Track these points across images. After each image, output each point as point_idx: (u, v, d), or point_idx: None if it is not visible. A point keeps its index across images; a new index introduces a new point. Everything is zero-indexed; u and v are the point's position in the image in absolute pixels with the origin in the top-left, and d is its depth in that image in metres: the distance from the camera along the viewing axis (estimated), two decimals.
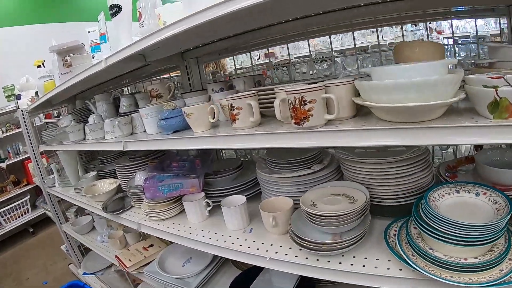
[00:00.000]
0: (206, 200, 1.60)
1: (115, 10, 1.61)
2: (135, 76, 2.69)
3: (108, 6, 1.63)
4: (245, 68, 3.01)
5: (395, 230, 1.13)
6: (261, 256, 1.24)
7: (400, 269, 0.99)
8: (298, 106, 1.02)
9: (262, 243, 1.32)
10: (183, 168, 1.66)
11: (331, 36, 1.87)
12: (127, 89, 3.05)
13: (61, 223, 3.18)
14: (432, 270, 0.90)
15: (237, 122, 1.25)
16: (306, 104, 1.01)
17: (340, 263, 1.09)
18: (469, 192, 1.04)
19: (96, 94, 2.29)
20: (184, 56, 2.13)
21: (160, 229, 1.63)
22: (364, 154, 1.30)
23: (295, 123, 1.04)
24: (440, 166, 1.36)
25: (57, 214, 3.18)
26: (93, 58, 1.89)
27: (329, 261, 1.11)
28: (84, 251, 3.24)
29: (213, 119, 1.36)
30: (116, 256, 2.20)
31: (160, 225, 1.66)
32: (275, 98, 1.15)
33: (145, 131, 1.82)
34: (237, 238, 1.41)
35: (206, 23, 1.05)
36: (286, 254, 1.21)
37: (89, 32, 1.91)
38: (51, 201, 3.14)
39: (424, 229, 0.95)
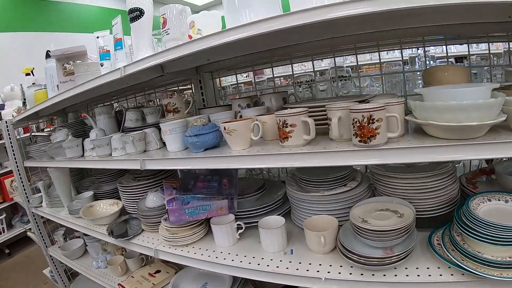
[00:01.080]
0: (238, 223, 1.46)
1: (136, 14, 1.47)
2: (137, 89, 2.52)
3: (128, 10, 1.48)
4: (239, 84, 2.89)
5: (438, 239, 1.18)
6: (314, 277, 1.18)
7: (452, 274, 1.04)
8: (366, 124, 1.01)
9: (310, 263, 1.25)
10: (211, 188, 1.52)
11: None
12: (126, 102, 2.86)
13: (46, 246, 2.92)
14: (484, 271, 0.97)
15: (290, 140, 1.16)
16: (374, 122, 1.00)
17: (395, 275, 1.09)
18: (499, 200, 1.13)
19: (89, 106, 2.11)
20: (198, 70, 2.00)
21: (183, 255, 1.47)
22: (395, 170, 1.34)
23: (360, 141, 1.03)
24: (460, 178, 1.45)
25: (42, 236, 2.92)
26: (101, 66, 1.72)
27: (384, 275, 1.10)
28: (71, 276, 2.99)
29: (256, 136, 1.24)
30: (120, 285, 2.00)
31: (183, 251, 1.50)
32: (324, 115, 1.21)
33: (159, 148, 1.69)
34: (280, 260, 1.30)
35: (258, 36, 1.02)
36: (339, 273, 1.16)
37: (98, 37, 1.74)
38: (36, 223, 2.89)
39: (471, 234, 1.01)
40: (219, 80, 2.18)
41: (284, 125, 1.15)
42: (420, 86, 1.92)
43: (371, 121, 1.00)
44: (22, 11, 5.74)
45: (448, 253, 1.06)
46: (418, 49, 2.21)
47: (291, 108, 1.26)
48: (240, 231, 1.46)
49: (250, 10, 1.08)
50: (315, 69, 3.01)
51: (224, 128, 1.23)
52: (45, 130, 3.32)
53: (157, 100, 2.77)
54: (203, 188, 1.52)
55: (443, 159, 0.94)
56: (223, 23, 1.27)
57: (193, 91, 2.14)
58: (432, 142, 0.96)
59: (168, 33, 1.43)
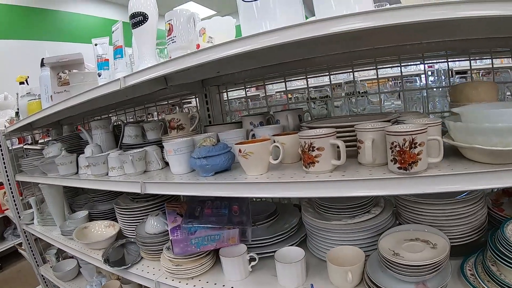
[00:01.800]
0: (251, 254, 1.29)
1: (139, 19, 1.31)
2: (137, 102, 2.36)
3: (130, 14, 1.33)
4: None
5: (470, 269, 1.10)
6: None
7: None
8: (408, 149, 0.88)
9: None
10: (221, 216, 1.35)
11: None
12: (125, 115, 2.70)
13: (38, 265, 2.74)
14: None
15: (316, 165, 1.00)
16: (416, 146, 0.88)
17: None
18: None
19: (85, 119, 1.95)
20: (204, 83, 1.85)
21: None
22: (421, 195, 1.20)
23: (400, 167, 0.89)
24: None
25: (33, 255, 2.74)
26: (99, 76, 1.56)
27: None
28: None
29: (275, 160, 1.09)
30: None
31: (189, 284, 1.32)
32: (350, 136, 1.09)
33: (161, 168, 1.54)
34: None
35: (278, 46, 0.90)
36: None
37: (96, 45, 1.59)
38: (27, 240, 2.71)
39: (509, 264, 0.94)
40: (227, 94, 2.03)
41: (311, 148, 0.99)
42: (439, 102, 1.78)
43: (413, 145, 0.88)
44: (20, 19, 5.62)
45: (484, 285, 0.99)
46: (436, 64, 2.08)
47: (315, 128, 1.12)
48: (253, 263, 1.29)
49: (271, 18, 0.95)
50: (325, 83, 2.89)
51: (240, 151, 1.07)
52: (39, 141, 3.15)
53: (158, 114, 2.61)
54: (211, 215, 1.35)
55: (492, 185, 0.85)
56: (237, 31, 1.13)
57: (198, 106, 1.98)
58: (477, 168, 0.86)
59: (175, 41, 1.29)
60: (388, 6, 0.83)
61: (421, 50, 1.53)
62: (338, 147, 0.99)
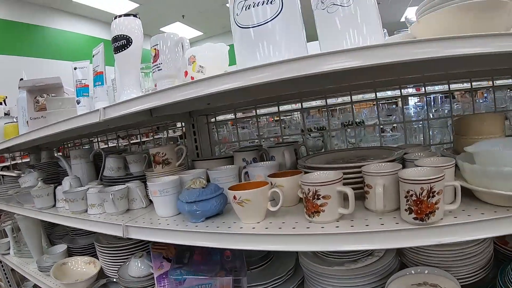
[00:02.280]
0: None
1: (122, 43, 1.19)
2: (120, 128, 2.22)
3: (112, 37, 1.21)
4: None
5: None
6: None
7: None
8: (425, 198, 0.79)
9: None
10: (213, 262, 1.21)
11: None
12: (106, 141, 2.54)
13: None
14: None
15: (321, 215, 0.89)
16: (435, 195, 0.78)
17: None
18: None
19: (65, 144, 1.81)
20: (192, 112, 1.72)
21: None
22: None
23: (416, 218, 0.80)
24: None
25: (10, 286, 2.55)
26: (78, 103, 1.42)
27: None
28: None
29: (274, 207, 0.96)
30: None
31: None
32: (358, 178, 0.97)
33: (146, 207, 1.40)
34: None
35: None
36: None
37: (75, 68, 1.45)
38: (4, 271, 2.53)
39: None
40: (216, 126, 1.89)
41: (315, 196, 0.87)
42: (439, 133, 1.68)
43: (431, 194, 0.78)
44: (1, 32, 5.43)
45: None
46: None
47: (315, 169, 1.01)
48: None
49: (272, 48, 0.86)
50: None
51: (234, 197, 0.94)
52: (20, 162, 2.98)
53: (141, 140, 2.45)
54: (202, 262, 1.21)
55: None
56: (231, 59, 1.02)
57: (185, 137, 1.85)
58: (493, 211, 0.81)
59: (161, 69, 1.16)
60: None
61: (421, 80, 1.45)
62: (345, 193, 0.87)
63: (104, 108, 1.15)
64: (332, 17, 0.82)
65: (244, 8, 0.87)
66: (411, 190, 0.79)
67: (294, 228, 0.90)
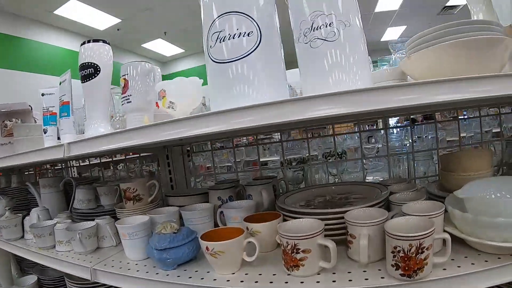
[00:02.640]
0: None
1: (89, 72, 1.10)
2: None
3: (79, 65, 1.12)
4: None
5: None
6: None
7: None
8: (414, 255, 0.72)
9: None
10: None
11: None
12: (79, 165, 2.42)
13: None
14: None
15: (301, 269, 0.81)
16: (424, 251, 0.72)
17: None
18: None
19: (36, 172, 1.71)
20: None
21: None
22: None
23: (403, 275, 0.74)
24: None
25: None
26: (45, 133, 1.33)
27: None
28: None
29: (251, 258, 0.88)
30: None
31: None
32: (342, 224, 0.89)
33: (116, 245, 1.30)
34: None
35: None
36: None
37: (43, 95, 1.35)
38: None
39: None
40: (191, 156, 1.80)
41: (294, 250, 0.79)
42: (423, 165, 1.62)
43: (420, 250, 0.72)
44: None
45: None
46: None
47: (295, 214, 0.96)
48: None
49: (251, 88, 0.77)
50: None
51: (207, 249, 0.85)
52: None
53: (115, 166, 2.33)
54: None
55: (505, 280, 0.75)
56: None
57: (159, 169, 1.75)
58: (484, 261, 0.78)
59: (130, 101, 1.08)
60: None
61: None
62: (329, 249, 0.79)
63: (68, 143, 1.05)
64: (316, 53, 0.75)
65: (218, 40, 0.78)
66: (399, 246, 0.73)
67: (271, 282, 0.82)
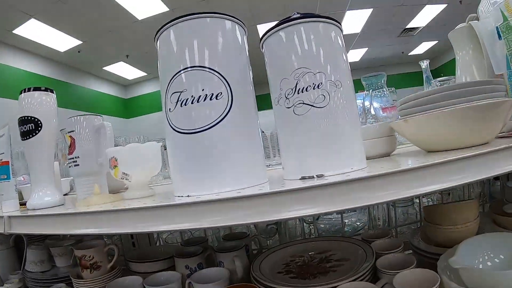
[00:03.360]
0: None
1: (30, 127, 0.93)
2: None
3: (18, 119, 0.96)
4: None
5: None
6: None
7: None
8: None
9: None
10: None
11: None
12: None
13: None
14: None
15: None
16: None
17: None
18: None
19: None
20: None
21: None
22: None
23: None
24: None
25: None
26: None
27: None
28: None
29: None
30: None
31: None
32: None
33: None
34: None
35: None
36: None
37: None
38: None
39: None
40: None
41: None
42: (403, 211, 1.54)
43: None
44: None
45: None
46: None
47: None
48: None
49: (221, 169, 0.61)
50: None
51: None
52: None
53: None
54: None
55: None
56: None
57: None
58: None
59: (78, 164, 0.92)
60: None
61: None
62: None
63: (9, 217, 0.88)
64: (302, 122, 0.61)
65: (179, 103, 0.62)
66: None
67: None
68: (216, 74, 0.61)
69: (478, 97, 0.65)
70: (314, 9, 5.84)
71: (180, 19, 0.63)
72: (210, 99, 0.61)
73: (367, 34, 7.32)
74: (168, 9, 5.30)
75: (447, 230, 1.00)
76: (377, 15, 6.38)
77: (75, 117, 0.94)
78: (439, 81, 1.63)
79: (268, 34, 0.66)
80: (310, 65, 0.60)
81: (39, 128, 0.94)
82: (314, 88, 0.60)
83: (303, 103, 0.60)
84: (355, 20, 6.54)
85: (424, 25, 7.22)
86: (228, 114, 0.62)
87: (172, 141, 0.66)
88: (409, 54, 9.22)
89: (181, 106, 0.62)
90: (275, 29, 0.64)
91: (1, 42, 5.85)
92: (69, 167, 0.93)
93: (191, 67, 0.61)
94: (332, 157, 0.60)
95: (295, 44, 0.62)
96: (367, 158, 0.86)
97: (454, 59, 1.15)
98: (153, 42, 0.69)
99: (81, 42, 6.26)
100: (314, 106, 0.60)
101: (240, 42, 0.68)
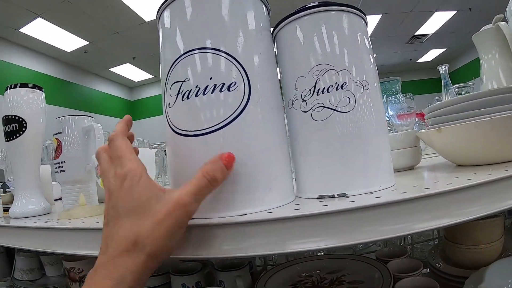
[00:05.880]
0: None
1: (13, 128, 0.84)
2: None
3: (2, 118, 0.87)
4: None
5: None
6: None
7: None
8: None
9: None
10: None
11: None
12: None
13: None
14: None
15: None
16: None
17: None
18: None
19: None
20: None
21: None
22: None
23: None
24: None
25: None
26: None
27: None
28: None
29: None
30: None
31: None
32: None
33: None
34: None
35: None
36: None
37: None
38: None
39: None
40: None
41: None
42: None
43: None
44: None
45: None
46: None
47: None
48: None
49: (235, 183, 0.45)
50: None
51: None
52: None
53: None
54: None
55: None
56: None
57: None
58: None
59: (64, 170, 0.82)
60: None
61: None
62: None
63: None
64: (320, 129, 0.50)
65: (181, 95, 0.48)
66: None
67: None
68: (228, 57, 0.47)
69: None
70: None
71: None
72: (221, 90, 0.46)
73: (375, 40, 7.24)
74: None
75: (470, 250, 0.92)
76: (385, 22, 6.31)
77: (63, 118, 0.84)
78: (457, 88, 1.54)
79: (281, 25, 0.55)
80: (332, 61, 0.50)
81: (24, 129, 0.85)
82: (336, 89, 0.49)
83: (324, 107, 0.49)
84: None
85: (433, 32, 7.14)
86: (244, 110, 0.47)
87: (172, 144, 0.52)
88: (417, 61, 9.12)
89: (182, 99, 0.48)
90: (289, 19, 0.54)
91: (8, 40, 5.82)
92: (55, 172, 0.84)
93: (196, 49, 0.48)
94: (357, 173, 0.49)
95: (314, 37, 0.51)
96: None
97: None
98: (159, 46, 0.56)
99: (88, 43, 6.23)
100: (336, 111, 0.49)
101: (262, 20, 0.54)
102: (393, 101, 1.44)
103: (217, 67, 0.47)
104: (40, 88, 0.90)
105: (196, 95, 0.47)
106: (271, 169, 0.48)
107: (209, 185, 0.42)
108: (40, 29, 5.54)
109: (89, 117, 0.86)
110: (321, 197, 0.50)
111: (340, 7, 0.52)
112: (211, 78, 0.46)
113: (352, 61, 0.51)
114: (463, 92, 1.54)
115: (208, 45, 0.47)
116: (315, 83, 0.50)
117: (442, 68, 1.52)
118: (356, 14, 0.54)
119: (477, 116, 0.59)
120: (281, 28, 0.55)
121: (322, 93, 0.49)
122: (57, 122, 0.85)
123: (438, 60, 9.12)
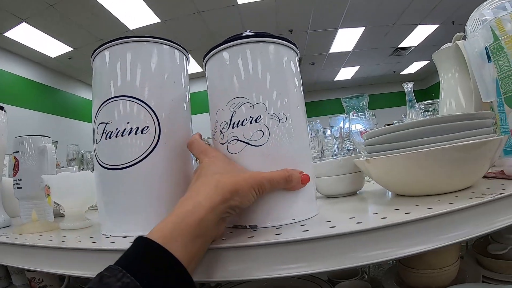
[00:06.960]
0: None
1: None
2: None
3: None
4: None
5: None
6: None
7: None
8: None
9: None
10: None
11: None
12: None
13: None
14: None
15: None
16: None
17: None
18: None
19: None
20: None
21: None
22: None
23: None
24: None
25: None
26: None
27: None
28: None
29: None
30: None
31: None
32: None
33: None
34: None
35: None
36: None
37: None
38: None
39: None
40: None
41: None
42: None
43: None
44: None
45: None
46: None
47: None
48: None
49: (140, 213, 0.55)
50: None
51: None
52: None
53: None
54: None
55: None
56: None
57: None
58: None
59: (20, 187, 0.87)
60: None
61: None
62: None
63: None
64: (236, 161, 0.51)
65: (104, 135, 0.56)
66: None
67: None
68: (143, 104, 0.55)
69: (458, 134, 0.54)
70: (306, 26, 5.85)
71: (116, 41, 0.58)
72: (135, 133, 0.54)
73: (359, 53, 7.35)
74: (159, 20, 5.28)
75: (421, 274, 0.89)
76: (369, 34, 6.41)
77: (21, 137, 0.89)
78: (424, 105, 1.52)
79: (206, 58, 0.57)
80: (248, 95, 0.51)
81: None
82: (251, 122, 0.51)
83: (238, 140, 0.51)
84: (347, 38, 6.56)
85: (416, 45, 7.26)
86: (155, 148, 0.55)
87: (99, 177, 0.59)
88: (400, 73, 9.25)
89: (105, 139, 0.56)
90: (211, 53, 0.55)
91: None
92: (14, 189, 0.88)
93: (117, 96, 0.55)
94: (268, 207, 0.51)
95: (234, 69, 0.53)
96: (331, 196, 0.78)
97: None
98: None
99: (72, 49, 6.20)
100: (249, 144, 0.51)
101: (178, 68, 0.61)
102: (357, 118, 1.46)
103: (133, 113, 0.55)
104: (1, 108, 0.94)
105: (116, 136, 0.55)
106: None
107: (284, 180, 0.49)
108: (24, 34, 5.52)
109: (46, 137, 0.90)
110: (235, 226, 0.53)
111: (266, 39, 0.53)
112: (128, 122, 0.54)
113: (269, 94, 0.52)
114: (430, 109, 1.54)
115: (127, 93, 0.55)
116: (231, 116, 0.52)
117: (408, 86, 1.49)
118: (280, 44, 0.55)
119: (410, 147, 0.56)
120: (206, 62, 0.58)
121: (237, 126, 0.51)
122: (15, 141, 0.89)
123: (421, 72, 9.27)
